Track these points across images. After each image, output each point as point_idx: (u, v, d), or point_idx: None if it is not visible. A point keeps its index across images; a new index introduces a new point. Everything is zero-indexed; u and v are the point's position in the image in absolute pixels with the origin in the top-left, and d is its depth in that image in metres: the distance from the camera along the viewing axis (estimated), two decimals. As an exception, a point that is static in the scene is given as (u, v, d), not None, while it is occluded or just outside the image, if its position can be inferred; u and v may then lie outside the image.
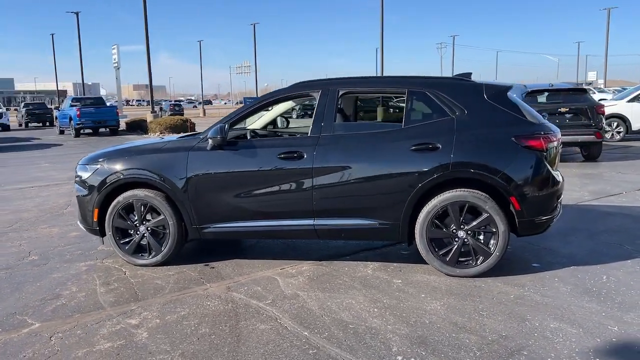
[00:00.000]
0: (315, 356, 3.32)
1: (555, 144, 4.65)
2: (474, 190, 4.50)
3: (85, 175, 5.22)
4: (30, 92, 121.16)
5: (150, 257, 5.12)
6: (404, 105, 4.81)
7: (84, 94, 47.86)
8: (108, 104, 31.41)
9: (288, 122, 6.55)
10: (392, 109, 5.87)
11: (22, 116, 34.90)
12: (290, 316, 3.91)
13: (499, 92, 4.70)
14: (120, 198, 5.07)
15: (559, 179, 4.72)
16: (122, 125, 28.07)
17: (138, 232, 5.10)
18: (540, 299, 4.10)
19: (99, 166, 5.16)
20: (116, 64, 38.89)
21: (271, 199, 4.84)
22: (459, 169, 4.49)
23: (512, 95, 4.89)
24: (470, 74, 5.16)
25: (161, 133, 25.52)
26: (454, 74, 5.22)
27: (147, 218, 5.09)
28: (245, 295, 4.35)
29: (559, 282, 4.43)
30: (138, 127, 27.41)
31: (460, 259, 4.61)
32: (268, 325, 3.77)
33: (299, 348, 3.43)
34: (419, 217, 4.60)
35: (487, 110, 4.64)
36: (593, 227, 6.15)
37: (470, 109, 4.65)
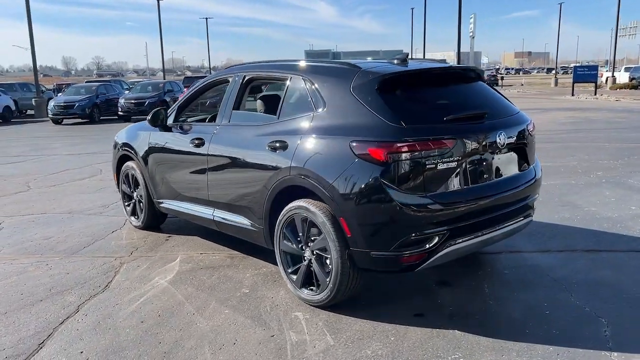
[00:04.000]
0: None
1: (423, 154, 3.28)
2: (313, 202, 3.65)
3: (113, 144, 6.28)
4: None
5: (137, 220, 5.88)
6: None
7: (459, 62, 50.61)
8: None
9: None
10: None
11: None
12: (101, 294, 4.13)
13: (370, 82, 3.56)
14: (123, 167, 5.95)
15: (432, 202, 3.33)
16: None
17: (133, 198, 5.91)
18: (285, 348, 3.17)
19: (116, 139, 6.14)
20: (472, 33, 39.95)
21: (186, 183, 4.95)
22: (296, 174, 3.71)
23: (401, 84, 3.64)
24: (407, 54, 4.00)
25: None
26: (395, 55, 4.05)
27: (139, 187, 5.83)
28: (129, 269, 4.68)
29: (378, 343, 3.26)
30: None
31: (313, 281, 3.84)
32: (75, 298, 4.11)
33: (46, 314, 3.71)
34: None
35: (345, 106, 3.63)
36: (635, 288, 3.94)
37: (331, 103, 3.72)
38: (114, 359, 3.20)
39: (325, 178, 3.49)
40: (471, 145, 3.48)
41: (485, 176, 3.62)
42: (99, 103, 23.06)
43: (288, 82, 4.09)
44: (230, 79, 4.68)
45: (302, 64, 4.15)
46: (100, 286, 4.32)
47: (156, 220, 5.79)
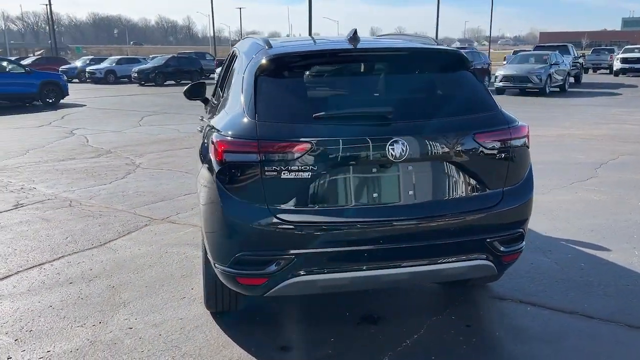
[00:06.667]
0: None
1: (264, 157, 2.61)
2: None
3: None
4: None
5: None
6: None
7: None
8: None
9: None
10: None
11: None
12: (89, 250, 4.53)
13: (256, 65, 2.93)
14: (203, 135, 6.28)
15: (272, 218, 2.65)
16: None
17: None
18: None
19: None
20: None
21: None
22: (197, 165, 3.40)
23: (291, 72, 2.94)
24: (354, 30, 3.22)
25: None
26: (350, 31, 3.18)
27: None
28: (143, 232, 5.02)
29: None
30: None
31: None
32: (69, 249, 4.61)
33: (18, 264, 4.29)
34: None
35: (236, 91, 3.12)
36: None
37: (232, 87, 3.26)
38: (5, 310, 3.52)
39: (196, 173, 3.12)
40: (343, 153, 2.64)
41: (373, 195, 2.71)
42: None
43: (234, 61, 3.71)
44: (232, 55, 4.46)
45: (244, 40, 3.71)
46: (100, 243, 4.72)
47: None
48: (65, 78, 19.11)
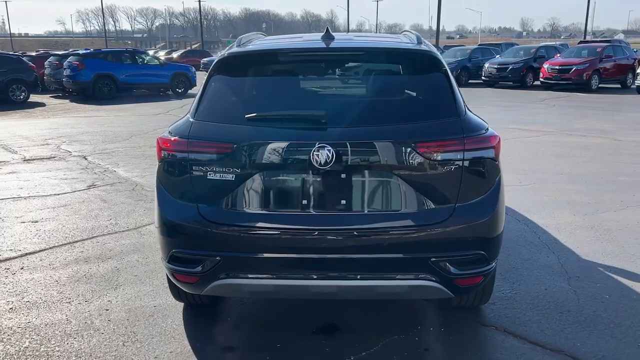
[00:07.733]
0: None
1: (190, 156, 2.65)
2: None
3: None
4: None
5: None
6: None
7: None
8: None
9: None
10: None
11: None
12: (115, 235, 4.88)
13: (213, 64, 2.96)
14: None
15: (198, 217, 2.66)
16: None
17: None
18: None
19: None
20: None
21: None
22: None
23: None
24: (326, 29, 3.11)
25: None
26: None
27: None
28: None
29: None
30: None
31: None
32: (105, 230, 5.01)
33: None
34: None
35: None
36: None
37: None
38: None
39: None
40: (267, 157, 2.56)
41: (302, 202, 2.59)
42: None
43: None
44: None
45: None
46: (135, 226, 5.06)
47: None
48: (194, 70, 20.54)
